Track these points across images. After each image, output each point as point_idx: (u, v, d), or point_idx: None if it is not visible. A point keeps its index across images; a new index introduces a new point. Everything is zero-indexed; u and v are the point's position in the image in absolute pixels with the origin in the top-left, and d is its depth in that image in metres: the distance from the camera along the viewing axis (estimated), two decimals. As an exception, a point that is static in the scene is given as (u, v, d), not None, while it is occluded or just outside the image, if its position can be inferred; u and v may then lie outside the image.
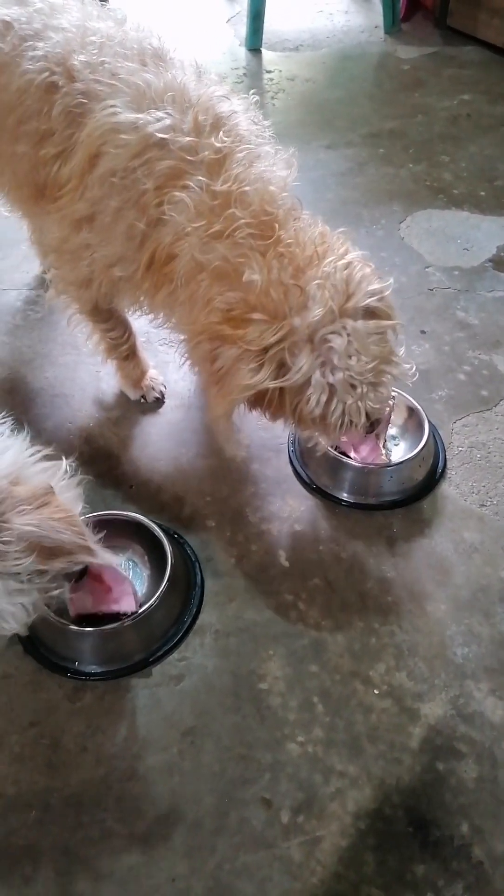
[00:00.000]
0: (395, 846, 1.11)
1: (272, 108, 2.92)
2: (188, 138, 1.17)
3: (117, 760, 1.19)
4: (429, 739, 1.21)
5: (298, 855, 1.10)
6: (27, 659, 1.31)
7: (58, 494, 1.01)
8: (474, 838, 1.11)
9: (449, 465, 1.62)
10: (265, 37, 3.34)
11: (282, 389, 1.16)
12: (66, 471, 1.05)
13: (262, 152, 1.23)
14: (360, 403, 1.16)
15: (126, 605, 1.30)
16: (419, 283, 2.08)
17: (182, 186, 1.16)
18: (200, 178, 1.16)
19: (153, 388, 1.76)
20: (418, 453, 1.55)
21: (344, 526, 1.52)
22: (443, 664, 1.30)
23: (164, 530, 1.42)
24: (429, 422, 1.60)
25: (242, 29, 3.36)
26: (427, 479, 1.58)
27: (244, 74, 3.15)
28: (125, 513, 1.45)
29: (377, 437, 1.55)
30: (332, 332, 1.13)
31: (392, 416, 1.59)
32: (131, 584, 1.32)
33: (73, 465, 1.10)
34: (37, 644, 1.32)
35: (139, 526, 1.42)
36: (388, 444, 1.62)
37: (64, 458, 1.08)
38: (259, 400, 1.19)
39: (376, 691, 1.27)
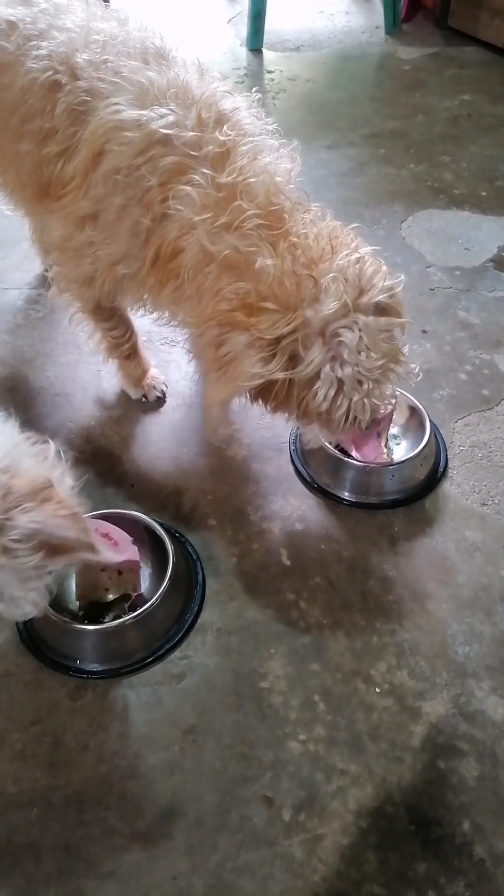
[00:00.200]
0: (397, 844, 1.11)
1: (273, 108, 2.92)
2: (192, 133, 1.17)
3: (119, 758, 1.19)
4: (430, 738, 1.22)
5: (300, 853, 1.10)
6: (28, 657, 1.31)
7: (56, 486, 1.00)
8: (476, 836, 1.12)
9: (450, 464, 1.62)
10: (266, 37, 3.34)
11: (290, 381, 1.16)
12: (57, 456, 1.03)
13: (266, 145, 1.23)
14: (365, 400, 1.16)
15: (131, 553, 1.30)
16: (420, 282, 2.08)
17: (187, 181, 1.16)
18: (206, 170, 1.16)
19: (154, 388, 1.76)
20: (420, 452, 1.55)
21: (345, 525, 1.52)
22: (444, 663, 1.31)
23: (165, 529, 1.42)
24: (430, 421, 1.60)
25: (243, 29, 3.37)
26: (428, 478, 1.58)
27: (245, 74, 3.16)
28: (127, 511, 1.45)
29: (379, 435, 1.55)
30: (344, 327, 1.12)
31: (394, 416, 1.60)
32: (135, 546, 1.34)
33: (63, 450, 1.09)
34: (38, 642, 1.32)
35: (141, 524, 1.42)
36: (390, 444, 1.62)
37: (51, 441, 1.07)
38: (266, 391, 1.19)
39: (378, 690, 1.27)
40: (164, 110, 1.19)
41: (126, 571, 1.34)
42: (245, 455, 1.65)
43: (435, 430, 1.65)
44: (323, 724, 1.23)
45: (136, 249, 1.25)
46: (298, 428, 1.64)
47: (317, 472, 1.59)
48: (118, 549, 1.30)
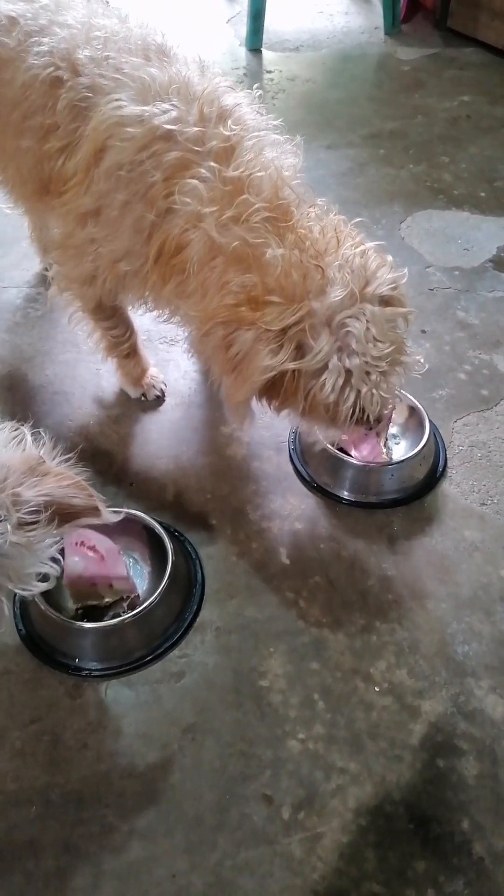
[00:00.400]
0: (396, 843, 1.11)
1: (272, 108, 2.92)
2: (195, 129, 1.17)
3: (118, 757, 1.19)
4: (429, 736, 1.22)
5: (299, 851, 1.10)
6: (28, 655, 1.30)
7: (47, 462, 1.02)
8: (475, 835, 1.12)
9: (449, 463, 1.63)
10: (265, 37, 3.34)
11: (297, 373, 1.15)
12: (34, 439, 1.04)
13: (270, 140, 1.23)
14: (374, 391, 1.15)
15: (118, 570, 1.31)
16: (420, 283, 2.09)
17: (192, 175, 1.16)
18: (212, 164, 1.16)
19: (153, 387, 1.76)
20: (419, 452, 1.55)
21: (345, 524, 1.52)
22: (443, 662, 1.31)
23: (164, 528, 1.42)
24: (429, 421, 1.61)
25: (243, 29, 3.37)
26: (428, 477, 1.58)
27: (244, 74, 3.16)
28: (126, 510, 1.45)
29: (378, 435, 1.55)
30: (351, 317, 1.12)
31: (393, 415, 1.60)
32: (122, 555, 1.34)
33: (61, 448, 1.10)
34: (37, 641, 1.32)
35: (140, 523, 1.42)
36: (389, 443, 1.62)
37: (21, 424, 1.07)
38: (274, 387, 1.19)
39: (377, 689, 1.27)
40: (166, 106, 1.19)
41: (116, 584, 1.33)
42: (244, 454, 1.65)
43: (434, 430, 1.66)
44: (322, 723, 1.23)
45: (138, 245, 1.24)
46: (299, 427, 1.64)
47: (316, 471, 1.59)
48: (105, 563, 1.30)
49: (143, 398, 1.76)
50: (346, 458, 1.54)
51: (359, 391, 1.15)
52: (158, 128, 1.18)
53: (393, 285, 1.18)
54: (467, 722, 1.23)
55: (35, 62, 1.28)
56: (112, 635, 1.29)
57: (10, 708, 1.24)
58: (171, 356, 1.88)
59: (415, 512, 1.54)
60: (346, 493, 1.56)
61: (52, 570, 1.01)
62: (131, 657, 1.30)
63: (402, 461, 1.54)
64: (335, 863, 1.09)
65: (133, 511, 1.44)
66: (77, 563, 1.30)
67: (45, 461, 1.00)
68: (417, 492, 1.56)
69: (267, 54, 3.33)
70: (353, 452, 1.55)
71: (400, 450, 1.62)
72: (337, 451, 1.54)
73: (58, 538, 1.01)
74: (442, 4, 3.41)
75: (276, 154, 1.22)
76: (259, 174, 1.16)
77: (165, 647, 1.31)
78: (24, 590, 0.98)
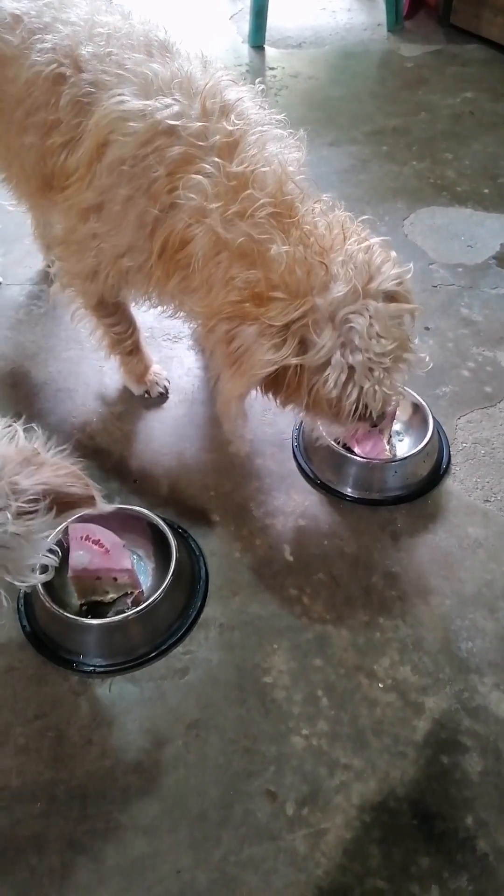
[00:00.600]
0: (400, 839, 1.11)
1: (275, 105, 2.89)
2: (198, 123, 1.17)
3: (122, 753, 1.19)
4: (433, 733, 1.22)
5: (303, 847, 1.10)
6: (32, 652, 1.31)
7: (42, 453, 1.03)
8: (479, 831, 1.12)
9: (453, 460, 1.63)
10: (268, 34, 3.34)
11: (301, 368, 1.15)
12: (27, 433, 1.05)
13: (273, 135, 1.23)
14: (376, 388, 1.15)
15: (123, 563, 1.31)
16: (423, 279, 2.08)
17: (196, 170, 1.16)
18: (216, 159, 1.15)
19: (157, 384, 1.76)
20: (423, 449, 1.55)
21: (348, 521, 1.52)
22: (447, 658, 1.31)
23: (168, 524, 1.42)
24: (433, 418, 1.60)
25: (245, 26, 3.36)
26: (431, 474, 1.58)
27: (247, 71, 3.15)
28: (129, 507, 1.45)
29: (381, 432, 1.55)
30: (355, 313, 1.12)
31: (397, 412, 1.59)
32: (127, 548, 1.35)
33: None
34: (41, 637, 1.32)
35: (144, 520, 1.42)
36: (393, 440, 1.62)
37: (14, 420, 1.08)
38: (277, 381, 1.18)
39: (381, 685, 1.27)
40: (168, 100, 1.19)
41: (122, 578, 1.34)
42: (248, 451, 1.64)
43: (438, 427, 1.65)
44: (326, 719, 1.23)
45: (142, 241, 1.24)
46: (302, 423, 1.64)
47: (320, 468, 1.59)
48: (109, 556, 1.31)
49: (146, 395, 1.76)
50: (349, 454, 1.54)
51: (361, 387, 1.15)
52: (161, 122, 1.18)
53: (397, 281, 1.17)
54: (471, 718, 1.23)
55: (38, 59, 1.28)
56: (116, 632, 1.29)
57: (14, 704, 1.24)
58: (174, 353, 1.88)
59: (418, 509, 1.54)
60: (349, 489, 1.56)
61: (50, 560, 1.02)
62: (135, 653, 1.30)
63: (405, 458, 1.54)
64: (339, 859, 1.09)
65: (136, 508, 1.44)
66: (82, 556, 1.30)
67: (39, 452, 1.00)
68: (421, 489, 1.56)
69: (269, 51, 3.32)
70: (356, 449, 1.55)
71: (403, 447, 1.61)
72: (340, 448, 1.54)
73: (55, 529, 1.02)
74: (445, 1, 3.41)
75: (280, 149, 1.21)
76: (263, 169, 1.15)
77: (169, 644, 1.31)
78: (22, 581, 0.99)
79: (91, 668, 1.28)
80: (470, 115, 2.86)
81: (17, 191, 1.58)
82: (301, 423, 1.65)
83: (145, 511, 1.43)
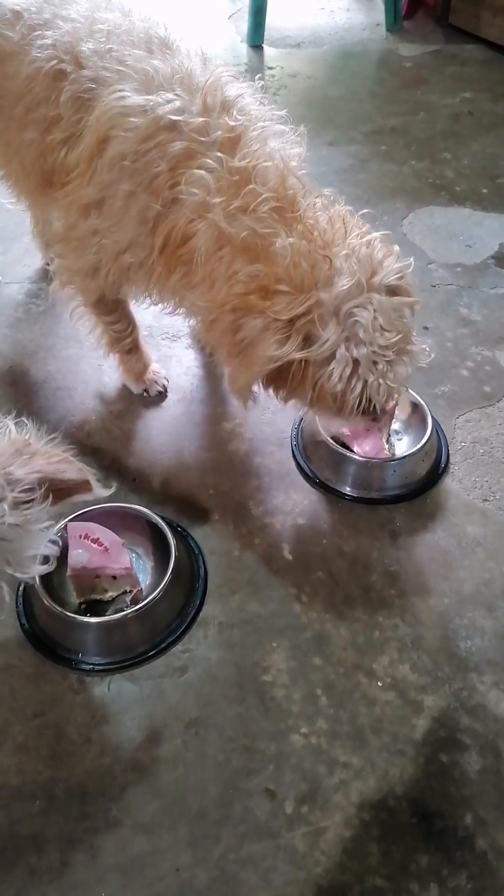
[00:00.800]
0: (399, 837, 1.11)
1: (274, 104, 2.90)
2: (199, 119, 1.17)
3: (121, 751, 1.19)
4: (432, 731, 1.22)
5: (302, 845, 1.10)
6: (31, 650, 1.30)
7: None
8: (478, 829, 1.12)
9: (452, 460, 1.63)
10: (266, 33, 3.34)
11: (305, 363, 1.15)
12: (18, 427, 1.05)
13: (274, 130, 1.23)
14: (381, 381, 1.15)
15: (122, 561, 1.31)
16: (422, 279, 2.08)
17: (198, 165, 1.16)
18: (218, 154, 1.16)
19: (156, 382, 1.75)
20: (421, 448, 1.55)
21: (347, 520, 1.52)
22: (446, 657, 1.31)
23: (167, 523, 1.42)
24: (432, 417, 1.61)
25: (244, 25, 3.36)
26: (430, 473, 1.58)
27: (245, 71, 3.15)
28: (128, 505, 1.45)
29: (380, 431, 1.55)
30: (359, 306, 1.12)
31: (396, 411, 1.59)
32: (126, 546, 1.34)
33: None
34: (40, 635, 1.32)
35: (143, 518, 1.42)
36: (392, 439, 1.62)
37: (4, 416, 1.08)
38: (281, 375, 1.18)
39: (380, 684, 1.27)
40: (169, 96, 1.19)
41: (121, 576, 1.33)
42: (247, 450, 1.65)
43: (436, 426, 1.66)
44: (325, 718, 1.23)
45: (143, 236, 1.24)
46: (301, 422, 1.64)
47: (319, 467, 1.59)
48: (108, 554, 1.31)
49: (145, 394, 1.76)
50: (348, 453, 1.54)
51: (366, 381, 1.15)
52: (162, 118, 1.18)
53: (399, 275, 1.18)
54: (470, 717, 1.23)
55: (39, 55, 1.28)
56: (115, 630, 1.29)
57: (13, 703, 1.24)
58: (173, 352, 1.87)
59: (417, 508, 1.54)
60: (348, 488, 1.56)
61: (50, 550, 1.02)
62: (134, 652, 1.30)
63: (404, 457, 1.54)
64: (338, 857, 1.09)
65: (135, 506, 1.44)
66: (81, 554, 1.30)
67: (31, 442, 1.00)
68: (420, 488, 1.56)
69: (268, 51, 3.33)
70: (355, 448, 1.55)
71: (402, 446, 1.62)
72: (339, 447, 1.54)
73: (54, 520, 1.01)
74: (443, 1, 3.41)
75: (281, 144, 1.22)
76: (265, 164, 1.16)
77: (168, 642, 1.31)
78: (23, 573, 0.98)
79: (90, 666, 1.28)
80: (469, 115, 2.87)
81: (16, 188, 1.57)
82: (300, 422, 1.66)
83: (144, 509, 1.43)
